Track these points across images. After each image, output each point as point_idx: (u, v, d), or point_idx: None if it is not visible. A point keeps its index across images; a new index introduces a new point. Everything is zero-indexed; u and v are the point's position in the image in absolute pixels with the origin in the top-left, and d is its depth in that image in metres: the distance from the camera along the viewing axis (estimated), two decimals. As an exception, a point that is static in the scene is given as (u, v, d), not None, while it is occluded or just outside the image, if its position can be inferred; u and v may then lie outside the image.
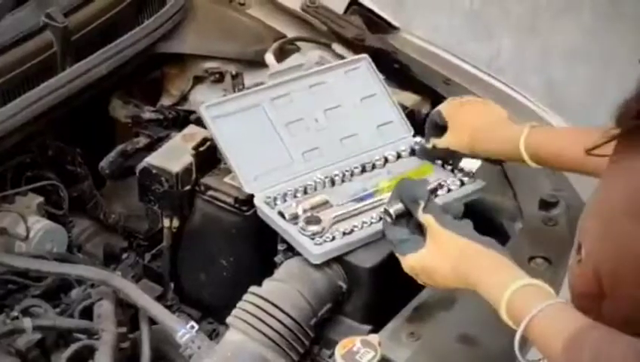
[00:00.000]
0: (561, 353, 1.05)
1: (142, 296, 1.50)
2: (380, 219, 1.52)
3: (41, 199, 1.81)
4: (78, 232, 1.91)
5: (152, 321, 1.51)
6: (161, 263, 1.76)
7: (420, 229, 1.34)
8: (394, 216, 1.37)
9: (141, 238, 1.84)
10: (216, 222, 1.65)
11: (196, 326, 1.46)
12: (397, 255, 1.35)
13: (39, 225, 1.74)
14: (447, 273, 1.28)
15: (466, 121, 1.56)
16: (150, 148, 1.80)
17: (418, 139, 1.71)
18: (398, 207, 1.37)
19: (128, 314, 1.55)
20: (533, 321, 1.11)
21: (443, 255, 1.28)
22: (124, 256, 1.89)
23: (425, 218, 1.31)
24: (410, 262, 1.32)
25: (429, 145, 1.62)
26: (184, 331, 1.45)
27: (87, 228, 1.96)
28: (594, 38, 3.15)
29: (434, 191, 1.54)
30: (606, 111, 3.34)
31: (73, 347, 1.40)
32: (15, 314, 1.43)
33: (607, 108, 3.39)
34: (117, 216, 1.95)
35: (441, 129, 1.59)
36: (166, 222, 1.70)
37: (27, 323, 1.40)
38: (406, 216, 1.37)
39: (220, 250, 1.67)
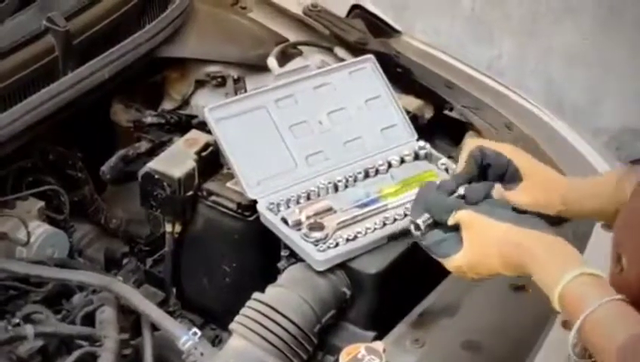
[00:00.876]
0: (615, 358, 1.02)
1: (144, 302, 1.49)
2: (384, 224, 1.51)
3: (42, 204, 1.80)
4: (79, 237, 1.91)
5: (155, 327, 1.50)
6: (163, 268, 1.75)
7: (454, 228, 1.26)
8: (423, 229, 1.29)
9: (142, 243, 1.83)
10: (218, 227, 1.64)
11: (199, 333, 1.45)
12: (439, 259, 1.28)
13: (40, 230, 1.73)
14: (495, 264, 1.21)
15: (554, 177, 1.35)
16: (152, 152, 1.79)
17: (422, 143, 1.70)
18: (425, 218, 1.29)
19: (130, 320, 1.54)
20: (587, 319, 1.06)
21: (486, 246, 1.21)
22: (126, 261, 1.88)
23: (458, 216, 1.24)
24: (455, 262, 1.25)
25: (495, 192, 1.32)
26: (187, 337, 1.44)
27: (88, 232, 1.95)
28: (593, 41, 3.15)
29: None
30: (605, 113, 3.37)
31: (75, 354, 1.39)
32: (16, 320, 1.41)
33: (606, 110, 3.43)
34: (118, 220, 1.94)
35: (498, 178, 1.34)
36: (168, 228, 1.70)
37: (29, 330, 1.38)
38: (436, 225, 1.29)
39: (223, 255, 1.66)
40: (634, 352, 1.01)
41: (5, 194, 1.75)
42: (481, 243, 1.22)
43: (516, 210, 1.27)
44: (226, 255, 1.66)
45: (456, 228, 1.26)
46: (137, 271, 1.81)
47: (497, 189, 1.30)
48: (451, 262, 1.26)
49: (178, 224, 1.69)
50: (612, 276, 1.13)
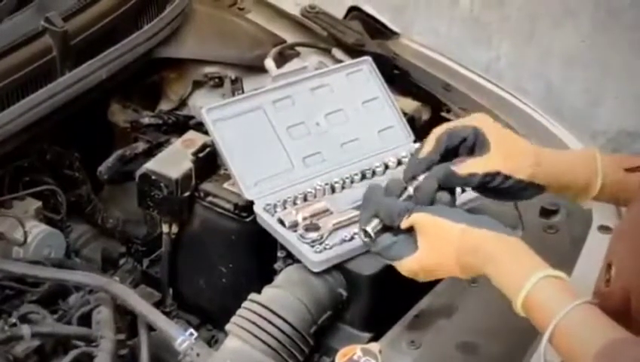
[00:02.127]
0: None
1: (140, 303, 1.49)
2: None
3: (39, 204, 1.80)
4: (75, 237, 1.91)
5: (151, 328, 1.50)
6: (160, 269, 1.76)
7: (406, 231, 1.24)
8: (373, 236, 1.26)
9: (139, 244, 1.83)
10: (215, 228, 1.65)
11: (195, 334, 1.45)
12: (392, 263, 1.26)
13: (37, 229, 1.73)
14: (451, 266, 1.18)
15: (523, 144, 1.31)
16: (149, 153, 1.79)
17: (419, 145, 1.70)
18: (375, 223, 1.27)
19: (126, 320, 1.54)
20: (558, 325, 1.03)
21: (442, 249, 1.17)
22: (122, 261, 1.88)
23: (412, 219, 1.20)
24: (409, 265, 1.22)
25: (463, 171, 1.27)
26: (183, 338, 1.44)
27: (85, 232, 1.95)
28: (592, 44, 3.15)
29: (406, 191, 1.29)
30: (603, 116, 3.37)
31: (72, 354, 1.39)
32: (13, 320, 1.42)
33: (604, 113, 3.43)
34: (115, 220, 1.94)
35: (469, 150, 1.30)
36: (165, 228, 1.70)
37: (25, 329, 1.39)
38: (385, 229, 1.27)
39: (220, 256, 1.66)
40: (612, 359, 0.98)
41: (2, 194, 1.75)
42: (438, 246, 1.18)
43: (472, 211, 1.26)
44: (223, 256, 1.66)
45: (408, 230, 1.23)
46: (134, 271, 1.81)
47: (459, 162, 1.25)
48: (405, 266, 1.23)
49: (175, 225, 1.69)
50: (598, 285, 1.11)
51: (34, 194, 1.80)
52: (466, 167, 1.25)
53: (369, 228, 1.26)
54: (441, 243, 1.17)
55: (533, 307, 1.07)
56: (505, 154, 1.26)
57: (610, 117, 3.08)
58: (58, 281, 1.56)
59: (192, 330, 1.46)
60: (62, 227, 1.83)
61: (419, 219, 1.19)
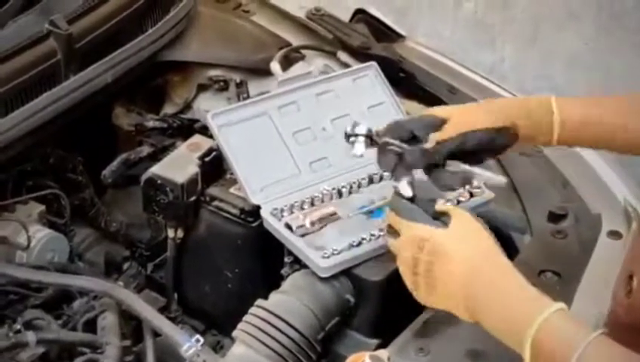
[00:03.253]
0: None
1: (146, 309, 1.48)
2: None
3: (42, 208, 1.79)
4: (79, 241, 1.89)
5: (157, 333, 1.49)
6: (165, 274, 1.74)
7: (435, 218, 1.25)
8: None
9: (144, 248, 1.82)
10: (221, 233, 1.63)
11: (201, 340, 1.44)
12: (404, 222, 1.26)
13: (40, 234, 1.72)
14: (471, 258, 1.15)
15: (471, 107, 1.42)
16: (154, 157, 1.78)
17: None
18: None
19: (132, 325, 1.53)
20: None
21: (471, 241, 1.17)
22: (126, 265, 1.87)
23: (450, 208, 1.25)
24: (424, 232, 1.20)
25: (428, 144, 1.35)
26: (189, 344, 1.42)
27: (88, 236, 1.94)
28: (595, 47, 3.15)
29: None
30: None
31: (78, 361, 1.38)
32: (18, 326, 1.40)
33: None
34: (118, 224, 1.93)
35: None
36: (170, 233, 1.69)
37: (30, 336, 1.37)
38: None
39: (225, 261, 1.65)
40: None
41: (5, 198, 1.74)
42: (469, 238, 1.19)
43: (481, 216, 1.29)
44: (229, 261, 1.65)
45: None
46: (138, 276, 1.80)
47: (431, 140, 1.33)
48: (422, 230, 1.23)
49: (180, 229, 1.68)
50: (616, 298, 1.08)
51: (37, 198, 1.79)
52: (431, 141, 1.34)
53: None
54: (473, 239, 1.17)
55: (545, 348, 1.02)
56: (460, 116, 1.35)
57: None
58: (62, 287, 1.55)
59: (198, 336, 1.45)
60: (65, 231, 1.82)
61: (459, 212, 1.23)
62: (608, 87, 3.13)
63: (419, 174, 1.37)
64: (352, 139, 1.41)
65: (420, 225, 1.21)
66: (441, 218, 1.26)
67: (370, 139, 1.39)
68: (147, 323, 1.48)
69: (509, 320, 1.08)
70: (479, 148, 1.34)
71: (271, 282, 1.55)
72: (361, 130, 1.40)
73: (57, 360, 1.42)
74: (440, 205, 1.25)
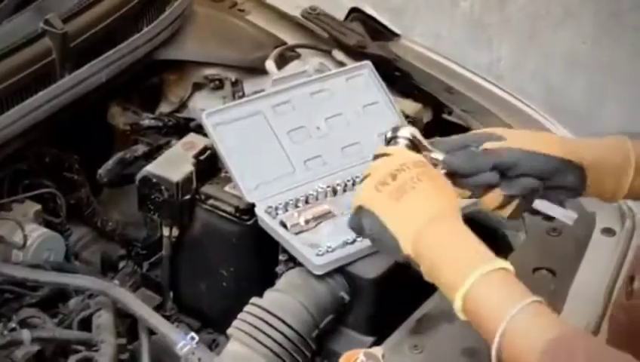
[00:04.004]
0: (540, 358, 0.92)
1: (141, 307, 1.48)
2: None
3: (38, 207, 1.79)
4: (75, 240, 1.89)
5: (152, 331, 1.49)
6: (160, 272, 1.75)
7: None
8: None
9: (139, 247, 1.82)
10: (216, 231, 1.64)
11: (196, 338, 1.44)
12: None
13: (37, 233, 1.72)
14: (420, 206, 1.13)
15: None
16: (149, 156, 1.78)
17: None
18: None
19: (127, 324, 1.53)
20: (506, 329, 0.95)
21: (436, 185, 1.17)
22: (122, 264, 1.87)
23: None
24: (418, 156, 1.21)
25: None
26: (184, 342, 1.43)
27: (84, 235, 1.94)
28: (593, 46, 3.16)
29: None
30: (605, 117, 3.35)
31: (73, 359, 1.38)
32: (13, 325, 1.41)
33: (605, 115, 3.41)
34: (114, 223, 1.93)
35: None
36: (165, 231, 1.69)
37: (26, 334, 1.38)
38: None
39: (220, 259, 1.65)
40: (570, 348, 0.92)
41: (1, 197, 1.74)
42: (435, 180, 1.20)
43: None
44: (224, 259, 1.65)
45: None
46: (134, 274, 1.80)
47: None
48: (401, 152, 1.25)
49: (175, 228, 1.68)
50: (617, 301, 1.07)
51: (33, 198, 1.79)
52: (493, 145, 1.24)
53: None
54: (438, 184, 1.18)
55: (475, 308, 1.00)
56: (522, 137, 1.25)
57: (612, 119, 3.08)
58: (58, 286, 1.55)
59: (193, 334, 1.45)
60: (61, 230, 1.82)
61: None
62: (607, 87, 3.13)
63: None
64: (392, 143, 1.31)
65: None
66: None
67: (413, 144, 1.29)
68: (142, 321, 1.48)
69: (449, 267, 1.05)
70: (540, 176, 1.22)
71: (266, 280, 1.55)
72: (405, 133, 1.30)
73: (52, 358, 1.42)
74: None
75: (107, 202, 1.98)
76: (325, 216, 1.54)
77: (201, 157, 1.66)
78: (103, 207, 1.96)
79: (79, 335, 1.44)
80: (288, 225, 1.51)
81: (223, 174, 1.66)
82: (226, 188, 1.63)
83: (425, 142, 1.28)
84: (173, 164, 1.65)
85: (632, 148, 1.22)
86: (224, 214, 1.61)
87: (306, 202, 1.57)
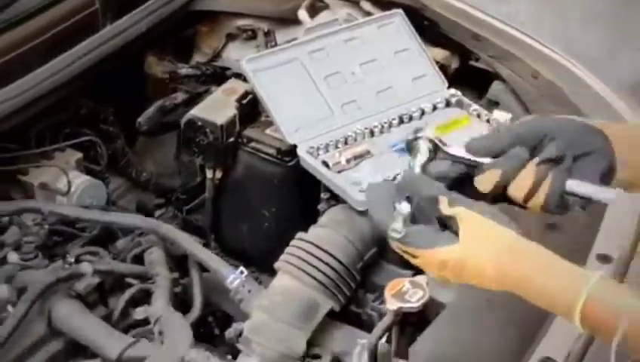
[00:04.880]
0: None
1: (192, 243, 1.53)
2: None
3: (80, 155, 1.84)
4: (111, 190, 1.94)
5: (202, 268, 1.54)
6: (203, 215, 1.80)
7: (443, 225, 1.07)
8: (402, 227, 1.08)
9: (179, 192, 1.87)
10: (258, 173, 1.69)
11: (245, 271, 1.49)
12: (418, 251, 1.07)
13: (80, 180, 1.77)
14: (486, 270, 1.03)
15: None
16: (188, 103, 1.83)
17: (453, 91, 1.74)
18: (404, 214, 1.07)
19: (176, 259, 1.58)
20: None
21: (486, 246, 1.02)
22: (158, 212, 1.92)
23: (455, 210, 1.05)
24: (442, 255, 1.04)
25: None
26: (234, 276, 1.47)
27: (120, 186, 1.99)
28: (613, 1, 3.16)
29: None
30: (621, 69, 3.35)
31: (132, 290, 1.44)
32: (71, 260, 1.46)
33: (623, 67, 3.41)
34: (148, 174, 1.98)
35: None
36: (209, 174, 1.74)
37: (87, 267, 1.43)
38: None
39: (262, 200, 1.71)
40: None
41: (44, 146, 1.79)
42: (482, 245, 1.03)
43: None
44: (266, 200, 1.70)
45: (444, 227, 1.07)
46: (175, 218, 1.86)
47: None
48: (437, 255, 1.05)
49: (219, 170, 1.73)
50: None
51: (74, 146, 1.83)
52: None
53: (398, 225, 1.07)
54: (489, 242, 1.02)
55: (595, 316, 0.96)
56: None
57: (629, 70, 3.10)
58: (111, 224, 1.60)
59: (242, 268, 1.49)
60: (102, 178, 1.87)
61: (465, 213, 1.04)
62: (623, 39, 3.14)
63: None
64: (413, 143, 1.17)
65: (432, 251, 1.05)
66: (448, 221, 1.07)
67: (436, 147, 1.16)
68: (192, 257, 1.53)
69: (551, 296, 1.00)
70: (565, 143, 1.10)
71: (306, 219, 1.60)
72: (426, 136, 1.16)
73: (110, 291, 1.47)
74: (444, 208, 1.05)
75: (141, 153, 2.03)
76: (365, 155, 1.59)
77: (243, 101, 1.70)
78: (138, 157, 2.01)
79: (136, 268, 1.50)
80: (330, 164, 1.56)
81: (263, 118, 1.71)
82: (267, 131, 1.68)
83: (441, 140, 1.17)
84: (217, 108, 1.70)
85: None
86: (266, 156, 1.67)
87: (345, 143, 1.62)
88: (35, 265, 1.47)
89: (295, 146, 1.61)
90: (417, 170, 1.13)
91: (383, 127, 1.66)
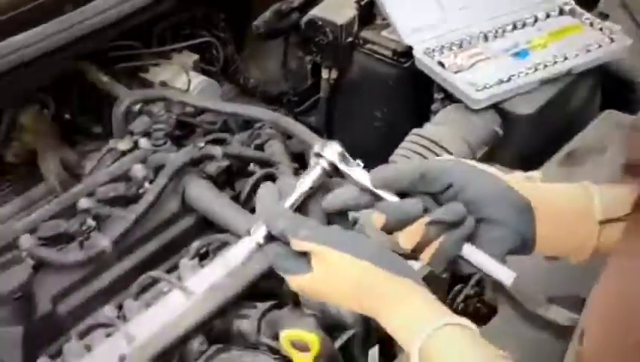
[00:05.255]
0: None
1: (310, 135, 1.59)
2: (535, 70, 1.59)
3: (197, 57, 1.92)
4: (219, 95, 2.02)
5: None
6: (317, 114, 1.87)
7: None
8: (262, 242, 0.97)
9: (291, 94, 1.94)
10: (373, 74, 1.75)
11: (362, 164, 1.54)
12: (282, 275, 0.99)
13: (198, 79, 1.85)
14: (346, 297, 0.95)
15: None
16: (304, 8, 1.87)
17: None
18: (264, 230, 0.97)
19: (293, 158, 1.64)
20: None
21: (337, 281, 0.94)
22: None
23: (302, 245, 0.94)
24: (299, 283, 0.97)
25: None
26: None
27: (229, 91, 2.06)
28: None
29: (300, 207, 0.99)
30: None
31: (257, 174, 1.52)
32: (201, 144, 1.54)
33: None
34: (255, 80, 2.05)
35: None
36: (324, 74, 1.81)
37: (217, 150, 1.51)
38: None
39: (376, 101, 1.77)
40: None
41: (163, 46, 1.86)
42: (333, 278, 0.95)
43: None
44: (379, 101, 1.76)
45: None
46: (288, 118, 1.92)
47: None
48: (295, 282, 0.97)
49: (334, 71, 1.80)
50: (570, 354, 0.96)
51: (190, 49, 1.91)
52: None
53: (259, 235, 0.97)
54: (338, 278, 0.94)
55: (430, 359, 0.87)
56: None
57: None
58: (235, 115, 1.67)
59: (359, 161, 1.54)
60: (217, 79, 1.94)
61: (314, 248, 0.94)
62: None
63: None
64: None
65: (288, 277, 0.97)
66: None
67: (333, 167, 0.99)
68: (309, 147, 1.59)
69: (395, 336, 0.92)
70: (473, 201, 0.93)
71: (418, 121, 1.65)
72: (330, 153, 0.99)
73: (237, 175, 1.55)
74: (295, 245, 0.95)
75: (249, 60, 2.10)
76: (479, 57, 1.63)
77: (362, 3, 1.75)
78: (245, 64, 2.08)
79: (261, 154, 1.57)
80: (446, 65, 1.61)
81: (379, 21, 1.76)
82: (384, 33, 1.73)
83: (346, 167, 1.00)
84: (337, 8, 1.76)
85: (596, 193, 0.95)
86: (382, 57, 1.72)
87: (460, 47, 1.67)
88: (166, 150, 1.56)
89: (411, 48, 1.66)
90: (288, 202, 0.97)
91: (497, 32, 1.70)
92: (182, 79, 1.83)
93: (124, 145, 1.59)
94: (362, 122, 1.80)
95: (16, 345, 1.25)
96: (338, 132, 1.86)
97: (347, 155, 1.00)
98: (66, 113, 1.89)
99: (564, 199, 0.96)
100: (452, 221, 0.92)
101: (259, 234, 0.96)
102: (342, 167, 0.98)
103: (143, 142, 1.59)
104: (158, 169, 1.49)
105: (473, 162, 0.97)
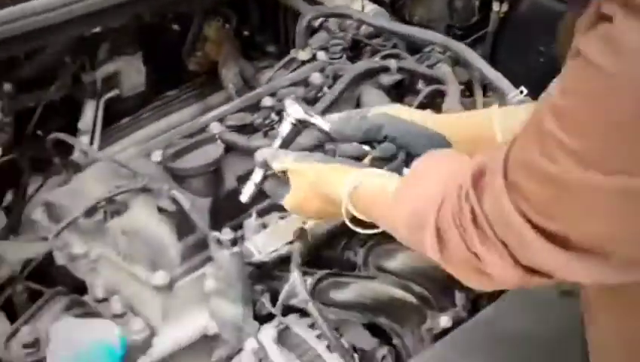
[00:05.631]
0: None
1: (479, 60, 1.65)
2: None
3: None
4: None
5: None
6: (484, 45, 1.94)
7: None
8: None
9: (457, 27, 2.02)
10: (543, 9, 1.81)
11: (525, 91, 1.59)
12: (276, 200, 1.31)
13: (370, 6, 1.91)
14: (313, 201, 1.23)
15: None
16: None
17: None
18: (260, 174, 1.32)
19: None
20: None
21: (304, 186, 1.23)
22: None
23: (277, 167, 1.26)
24: (286, 203, 1.27)
25: None
26: (514, 93, 1.58)
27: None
28: None
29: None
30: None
31: (428, 88, 1.60)
32: (377, 58, 1.64)
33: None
34: (419, 18, 2.12)
35: None
36: (495, 7, 1.88)
37: (393, 63, 1.61)
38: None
39: (542, 37, 1.83)
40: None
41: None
42: (302, 184, 1.23)
43: None
44: (546, 37, 1.82)
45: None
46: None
47: None
48: (285, 202, 1.27)
49: (505, 4, 1.86)
50: None
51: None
52: None
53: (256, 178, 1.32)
54: (304, 182, 1.23)
55: (360, 198, 1.13)
56: None
57: None
58: (409, 37, 1.74)
59: (522, 88, 1.59)
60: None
61: (283, 165, 1.26)
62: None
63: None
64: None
65: (281, 202, 1.29)
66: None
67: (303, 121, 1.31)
68: (479, 74, 1.64)
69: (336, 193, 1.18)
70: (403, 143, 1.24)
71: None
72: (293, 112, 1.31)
73: (407, 91, 1.65)
74: (275, 166, 1.27)
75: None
76: None
77: None
78: (412, 1, 2.16)
79: (432, 72, 1.65)
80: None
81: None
82: (555, -29, 1.79)
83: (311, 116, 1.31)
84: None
85: (496, 117, 1.20)
86: (555, -6, 1.78)
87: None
88: (342, 63, 1.68)
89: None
90: (276, 144, 1.31)
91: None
92: (356, 5, 1.94)
93: (304, 55, 1.71)
94: (527, 56, 1.86)
95: (204, 213, 1.39)
96: (503, 64, 1.91)
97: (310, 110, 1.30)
98: (246, 30, 2.04)
99: (473, 127, 1.24)
100: (386, 156, 1.22)
101: (256, 176, 1.30)
102: (307, 117, 1.29)
103: (321, 55, 1.71)
104: (335, 78, 1.61)
105: (403, 110, 1.28)
